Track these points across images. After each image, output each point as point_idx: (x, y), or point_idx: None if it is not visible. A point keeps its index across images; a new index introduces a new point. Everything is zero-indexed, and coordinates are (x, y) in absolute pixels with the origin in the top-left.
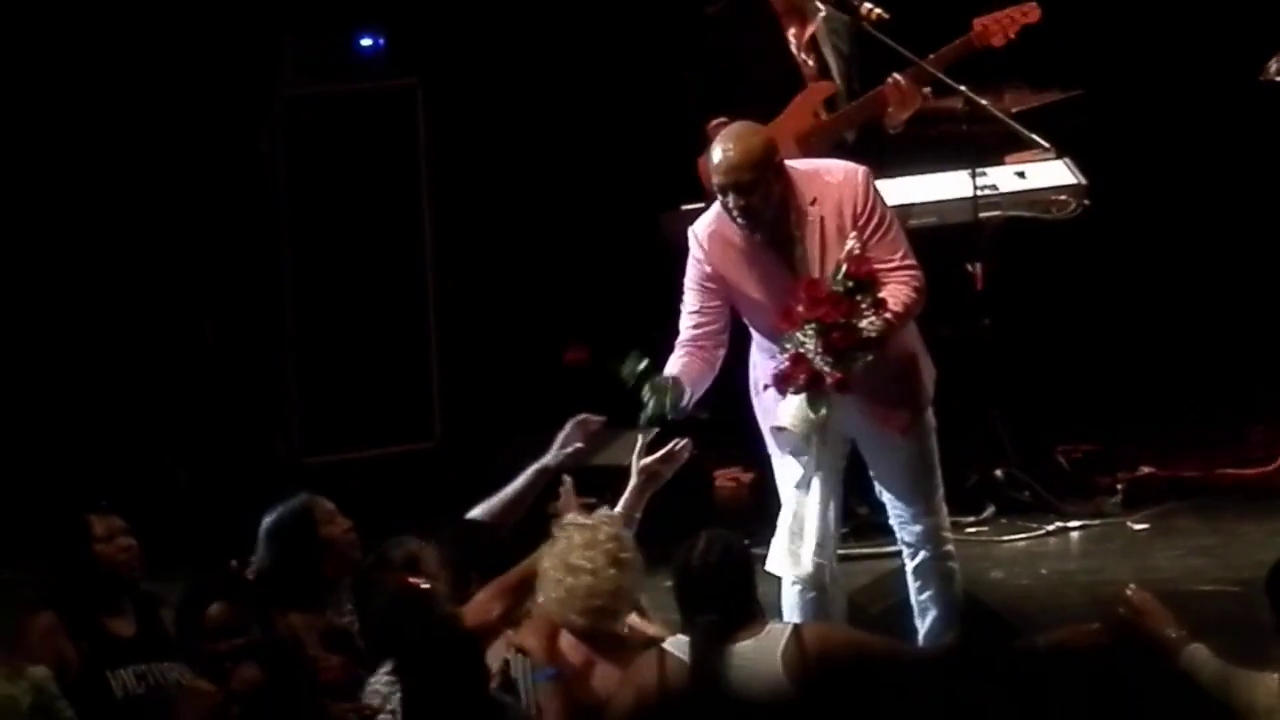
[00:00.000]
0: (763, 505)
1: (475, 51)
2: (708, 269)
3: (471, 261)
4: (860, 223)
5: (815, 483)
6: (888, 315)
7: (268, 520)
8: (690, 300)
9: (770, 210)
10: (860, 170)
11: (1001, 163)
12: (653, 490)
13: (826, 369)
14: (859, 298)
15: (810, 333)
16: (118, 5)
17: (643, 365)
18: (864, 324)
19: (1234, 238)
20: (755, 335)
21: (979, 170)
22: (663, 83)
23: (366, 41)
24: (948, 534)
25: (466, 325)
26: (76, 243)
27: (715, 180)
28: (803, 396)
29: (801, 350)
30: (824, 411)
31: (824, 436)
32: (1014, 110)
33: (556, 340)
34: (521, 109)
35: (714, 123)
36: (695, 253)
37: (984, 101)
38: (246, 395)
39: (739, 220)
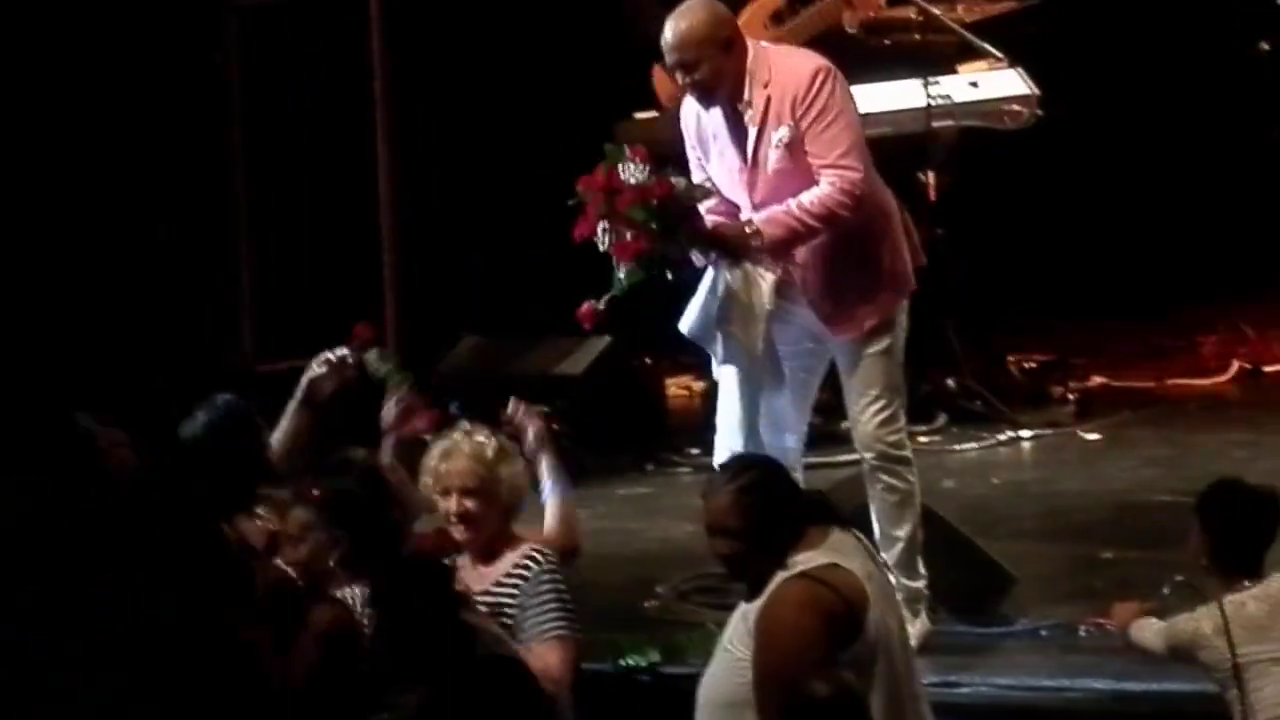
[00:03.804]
0: (714, 414)
1: None
2: (689, 140)
3: (426, 169)
4: (798, 113)
5: (725, 373)
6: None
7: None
8: (696, 176)
9: (723, 87)
10: (818, 63)
11: (954, 72)
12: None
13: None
14: (655, 227)
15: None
16: None
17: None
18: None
19: (1187, 147)
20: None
21: (931, 80)
22: None
23: None
24: (893, 448)
25: (421, 235)
26: (28, 150)
27: (666, 58)
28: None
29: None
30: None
31: (740, 328)
32: (968, 20)
33: (512, 249)
34: (477, 15)
35: None
36: (682, 124)
37: (937, 10)
38: (198, 302)
39: (693, 95)
